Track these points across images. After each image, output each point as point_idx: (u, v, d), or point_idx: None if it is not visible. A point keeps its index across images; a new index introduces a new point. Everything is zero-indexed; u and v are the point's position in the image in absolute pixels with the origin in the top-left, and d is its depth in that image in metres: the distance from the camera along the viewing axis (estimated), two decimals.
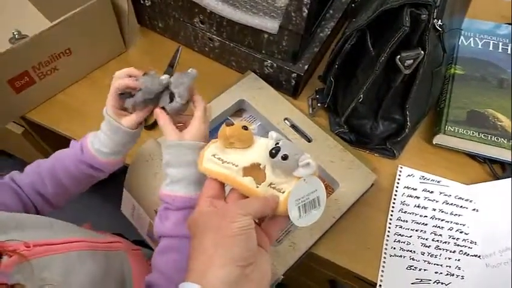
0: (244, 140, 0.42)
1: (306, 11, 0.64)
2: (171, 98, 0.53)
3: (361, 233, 0.68)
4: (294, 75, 0.77)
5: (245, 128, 0.42)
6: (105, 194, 1.25)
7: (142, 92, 0.53)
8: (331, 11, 0.84)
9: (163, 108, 0.54)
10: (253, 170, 0.42)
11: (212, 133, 0.74)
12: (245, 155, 0.42)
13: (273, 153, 0.39)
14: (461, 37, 0.84)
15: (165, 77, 0.53)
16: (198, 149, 0.51)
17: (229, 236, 0.37)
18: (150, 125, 0.78)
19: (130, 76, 0.55)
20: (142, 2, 0.86)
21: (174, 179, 0.51)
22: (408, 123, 0.68)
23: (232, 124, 0.43)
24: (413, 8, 0.53)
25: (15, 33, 0.85)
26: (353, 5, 0.87)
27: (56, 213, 0.58)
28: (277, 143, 0.40)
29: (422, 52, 0.55)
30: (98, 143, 0.58)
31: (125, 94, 0.55)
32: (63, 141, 0.80)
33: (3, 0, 0.93)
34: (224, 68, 0.88)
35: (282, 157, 0.39)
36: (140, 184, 0.66)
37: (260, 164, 0.41)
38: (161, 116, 0.53)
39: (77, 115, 0.81)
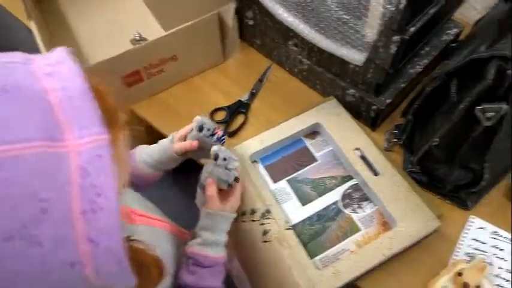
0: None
1: (395, 48, 0.65)
2: (225, 170, 0.62)
3: (414, 277, 0.66)
4: (374, 107, 0.78)
5: None
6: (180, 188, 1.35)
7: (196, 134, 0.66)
8: (427, 48, 0.83)
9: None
10: None
11: (284, 149, 0.78)
12: None
13: None
14: None
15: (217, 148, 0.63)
16: (231, 220, 0.62)
17: None
18: (231, 133, 0.86)
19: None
20: (246, 20, 0.94)
21: (206, 242, 0.59)
22: (486, 175, 0.65)
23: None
24: (502, 61, 0.51)
25: (136, 35, 0.99)
26: (453, 45, 0.85)
27: None
28: None
29: (506, 106, 0.53)
30: (146, 150, 0.69)
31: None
32: (155, 134, 0.91)
33: (127, 6, 1.08)
34: (309, 89, 0.92)
35: None
36: None
37: None
38: (211, 187, 0.62)
39: (172, 113, 0.91)
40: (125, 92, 0.87)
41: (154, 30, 1.00)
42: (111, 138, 0.30)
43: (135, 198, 0.61)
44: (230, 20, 0.89)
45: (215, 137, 0.67)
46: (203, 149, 0.66)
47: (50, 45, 0.89)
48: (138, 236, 0.49)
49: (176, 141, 0.67)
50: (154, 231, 0.57)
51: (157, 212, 0.63)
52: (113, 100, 0.35)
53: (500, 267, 0.65)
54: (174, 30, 0.83)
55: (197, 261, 0.58)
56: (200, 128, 0.65)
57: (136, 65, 0.85)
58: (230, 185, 0.63)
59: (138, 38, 1.00)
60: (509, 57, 0.50)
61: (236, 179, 0.63)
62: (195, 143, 0.65)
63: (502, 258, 0.66)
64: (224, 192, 0.64)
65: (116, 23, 1.05)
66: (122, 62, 0.81)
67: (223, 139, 0.70)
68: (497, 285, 0.64)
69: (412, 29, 0.63)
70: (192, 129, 0.67)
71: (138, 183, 0.67)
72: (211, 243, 0.59)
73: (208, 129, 0.66)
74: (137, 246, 0.43)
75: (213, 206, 0.60)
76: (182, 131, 0.68)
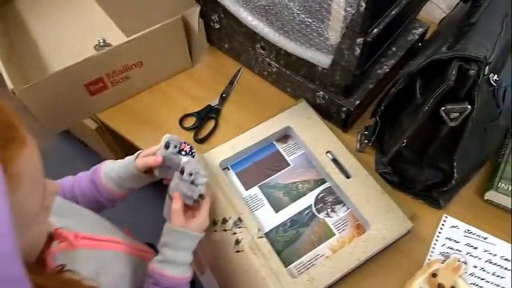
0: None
1: (359, 50, 0.64)
2: (191, 185, 0.59)
3: (390, 280, 0.66)
4: (344, 108, 0.78)
5: None
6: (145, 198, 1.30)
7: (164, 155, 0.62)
8: (394, 48, 0.83)
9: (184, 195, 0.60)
10: None
11: (256, 154, 0.77)
12: None
13: None
14: None
15: (184, 160, 0.60)
16: (197, 239, 0.58)
17: None
18: (201, 139, 0.83)
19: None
20: (212, 24, 0.92)
21: (167, 260, 0.56)
22: (456, 174, 0.65)
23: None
24: (462, 62, 0.51)
25: (100, 40, 0.96)
26: (420, 44, 0.85)
27: None
28: None
29: (469, 106, 0.53)
30: (111, 164, 0.65)
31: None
32: (128, 143, 0.88)
33: (91, 11, 1.05)
34: (279, 92, 0.91)
35: None
36: None
37: None
38: (177, 202, 0.58)
39: (141, 120, 0.89)
40: (89, 100, 0.84)
41: (120, 36, 0.96)
42: (7, 155, 0.29)
43: (84, 220, 0.57)
44: (195, 23, 0.87)
45: (183, 152, 0.65)
46: (170, 168, 0.63)
47: (10, 51, 0.84)
48: (80, 262, 0.46)
49: (141, 158, 0.64)
50: (104, 255, 0.53)
51: (117, 233, 0.59)
52: (13, 115, 0.34)
53: (474, 266, 0.66)
54: (137, 35, 0.81)
55: (156, 281, 0.54)
56: (167, 145, 0.63)
57: (99, 72, 0.81)
58: (196, 201, 0.60)
59: (102, 44, 0.96)
60: (470, 57, 0.50)
61: (201, 196, 0.60)
62: (159, 159, 0.61)
63: (476, 257, 0.66)
64: (191, 208, 0.61)
65: (79, 29, 1.01)
66: (83, 69, 0.78)
67: (193, 153, 0.67)
68: (472, 284, 0.64)
69: (375, 31, 0.63)
70: (160, 148, 0.64)
71: (99, 199, 0.64)
72: (171, 262, 0.55)
73: (175, 146, 0.63)
74: (70, 276, 0.40)
75: (176, 222, 0.57)
76: (151, 149, 0.65)
